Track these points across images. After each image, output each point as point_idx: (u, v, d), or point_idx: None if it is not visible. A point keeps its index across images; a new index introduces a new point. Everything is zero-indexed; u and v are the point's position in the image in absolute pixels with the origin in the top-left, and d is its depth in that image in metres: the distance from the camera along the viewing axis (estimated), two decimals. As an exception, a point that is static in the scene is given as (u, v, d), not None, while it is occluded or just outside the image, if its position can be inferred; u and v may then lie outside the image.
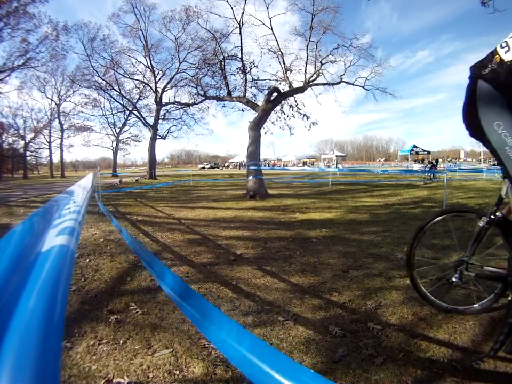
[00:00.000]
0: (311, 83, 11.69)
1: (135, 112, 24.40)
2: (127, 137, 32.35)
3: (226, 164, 70.40)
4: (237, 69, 11.83)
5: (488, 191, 10.14)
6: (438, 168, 18.63)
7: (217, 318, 0.77)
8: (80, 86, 25.33)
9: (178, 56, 20.49)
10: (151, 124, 22.77)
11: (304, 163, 56.30)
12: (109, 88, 23.13)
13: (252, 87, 12.04)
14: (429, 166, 19.67)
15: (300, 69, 11.80)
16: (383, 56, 31.84)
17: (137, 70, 22.61)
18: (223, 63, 11.95)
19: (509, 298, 1.72)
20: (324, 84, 12.22)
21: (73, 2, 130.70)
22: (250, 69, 11.73)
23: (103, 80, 22.50)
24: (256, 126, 10.21)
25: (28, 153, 36.46)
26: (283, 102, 11.59)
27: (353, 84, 12.49)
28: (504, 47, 1.54)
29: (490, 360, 1.63)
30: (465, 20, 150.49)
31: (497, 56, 1.56)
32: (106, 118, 29.17)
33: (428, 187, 12.11)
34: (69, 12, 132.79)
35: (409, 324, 2.06)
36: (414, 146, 38.75)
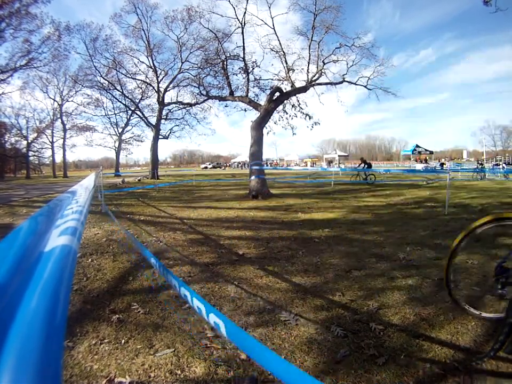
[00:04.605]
0: (313, 83, 11.65)
1: (138, 112, 24.49)
2: (130, 137, 32.60)
3: (234, 164, 68.26)
4: (239, 68, 11.82)
5: (491, 191, 10.07)
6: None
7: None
8: (82, 86, 25.49)
9: (181, 56, 20.50)
10: (154, 123, 22.77)
11: (330, 162, 50.78)
12: (111, 88, 23.19)
13: (254, 86, 12.05)
14: (504, 165, 19.15)
15: (302, 69, 11.79)
16: (386, 55, 31.72)
17: (140, 70, 22.65)
18: (225, 62, 11.94)
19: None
20: (326, 84, 12.19)
21: (72, 2, 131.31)
22: (253, 68, 11.72)
23: (106, 80, 22.58)
24: (259, 126, 10.20)
25: (30, 153, 36.63)
26: (285, 101, 11.57)
27: (355, 84, 12.43)
28: None
29: (491, 360, 1.63)
30: (466, 19, 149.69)
31: None
32: (109, 118, 29.35)
33: (430, 187, 12.06)
34: (68, 12, 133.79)
35: (411, 324, 2.06)
36: (417, 146, 38.48)
